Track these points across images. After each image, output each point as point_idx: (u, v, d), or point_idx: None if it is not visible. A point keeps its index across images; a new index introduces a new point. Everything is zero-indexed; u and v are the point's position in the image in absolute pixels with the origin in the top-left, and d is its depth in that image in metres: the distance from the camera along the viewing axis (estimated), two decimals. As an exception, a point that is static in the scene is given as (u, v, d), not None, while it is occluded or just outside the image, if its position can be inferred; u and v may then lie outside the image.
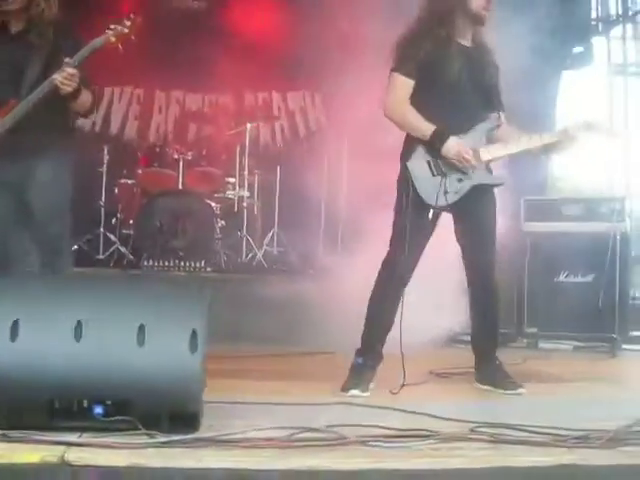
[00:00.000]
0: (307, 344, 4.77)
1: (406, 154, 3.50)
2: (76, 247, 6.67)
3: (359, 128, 6.66)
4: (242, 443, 2.14)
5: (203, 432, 2.25)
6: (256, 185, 6.98)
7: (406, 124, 3.49)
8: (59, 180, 3.55)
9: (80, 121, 8.04)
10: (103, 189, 6.92)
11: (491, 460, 2.15)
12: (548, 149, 3.61)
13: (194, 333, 2.22)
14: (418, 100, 3.47)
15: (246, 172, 6.76)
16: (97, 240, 6.80)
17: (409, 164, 3.45)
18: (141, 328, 2.22)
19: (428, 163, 3.43)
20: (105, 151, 6.96)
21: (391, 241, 3.54)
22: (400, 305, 3.43)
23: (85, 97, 3.48)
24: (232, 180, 6.78)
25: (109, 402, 2.20)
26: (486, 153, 3.46)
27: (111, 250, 6.74)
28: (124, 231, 6.71)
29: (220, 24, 7.84)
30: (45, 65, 3.39)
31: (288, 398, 3.07)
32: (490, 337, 3.69)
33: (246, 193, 6.75)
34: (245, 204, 6.75)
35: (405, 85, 3.47)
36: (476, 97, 3.55)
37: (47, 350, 2.20)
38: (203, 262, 5.98)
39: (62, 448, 2.03)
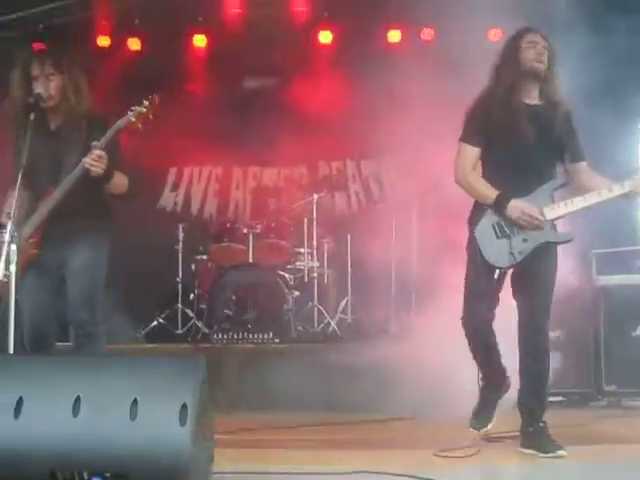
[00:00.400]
0: (386, 410, 4.88)
1: (474, 220, 3.70)
2: (155, 323, 6.94)
3: (427, 190, 6.81)
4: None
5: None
6: (325, 254, 7.07)
7: (472, 191, 3.71)
8: (92, 267, 3.73)
9: (162, 202, 8.64)
10: (180, 266, 7.18)
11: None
12: (629, 197, 3.65)
13: (184, 406, 2.27)
14: (488, 163, 3.73)
15: (314, 242, 6.86)
16: (175, 315, 7.03)
17: (476, 231, 3.66)
18: (134, 402, 2.29)
19: (493, 227, 3.62)
20: (180, 229, 7.25)
21: (464, 302, 3.71)
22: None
23: (119, 180, 3.69)
24: (302, 250, 6.88)
25: (108, 474, 2.27)
26: (550, 212, 3.58)
27: (189, 325, 6.95)
28: (201, 306, 6.89)
29: (290, 99, 8.08)
30: (81, 154, 3.61)
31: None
32: (537, 398, 3.63)
33: (316, 263, 6.84)
34: (315, 274, 6.83)
35: (472, 154, 3.70)
36: (545, 155, 3.70)
37: (48, 426, 2.30)
38: (271, 333, 6.06)
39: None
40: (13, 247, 3.15)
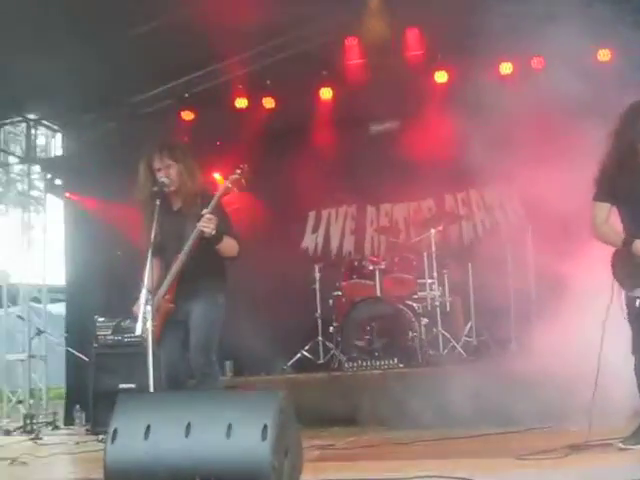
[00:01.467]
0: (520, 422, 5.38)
1: (617, 271, 4.29)
2: (299, 355, 7.72)
3: (545, 218, 7.19)
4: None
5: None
6: (446, 283, 7.60)
7: (607, 241, 4.35)
8: (208, 321, 4.55)
9: (305, 243, 9.48)
10: (318, 302, 7.94)
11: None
12: None
13: (265, 427, 2.95)
14: (620, 212, 4.34)
15: (435, 273, 7.41)
16: (317, 347, 7.78)
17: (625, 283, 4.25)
18: (229, 426, 3.00)
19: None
20: (316, 269, 8.02)
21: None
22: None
23: (228, 242, 4.48)
24: (424, 281, 7.45)
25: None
26: None
27: (330, 354, 7.68)
28: (338, 338, 7.61)
29: (413, 138, 8.63)
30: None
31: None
32: None
33: (437, 292, 7.39)
34: (437, 302, 7.38)
35: (602, 209, 4.32)
36: None
37: (167, 445, 3.05)
38: (396, 359, 6.67)
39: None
40: (148, 308, 3.99)
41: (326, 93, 9.22)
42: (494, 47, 8.40)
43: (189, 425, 3.05)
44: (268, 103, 9.38)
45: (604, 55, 8.36)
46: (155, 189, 4.47)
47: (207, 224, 4.33)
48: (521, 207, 8.61)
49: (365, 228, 9.39)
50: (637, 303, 4.17)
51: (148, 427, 3.10)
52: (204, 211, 4.37)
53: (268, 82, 9.23)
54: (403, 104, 8.74)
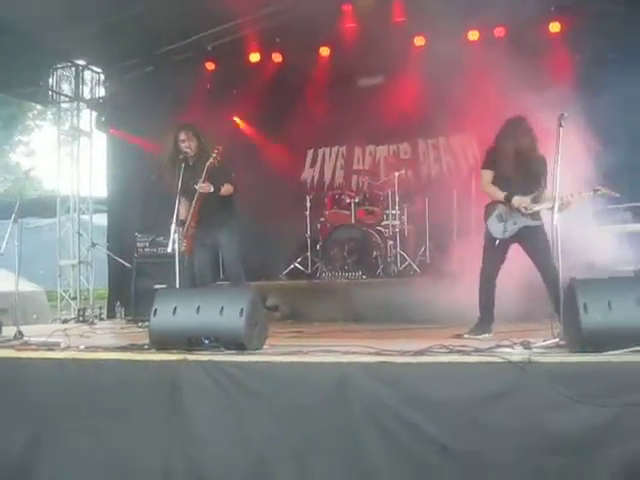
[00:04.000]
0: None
1: (486, 215, 6.29)
2: (292, 266, 9.87)
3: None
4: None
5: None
6: (406, 214, 9.67)
7: (490, 194, 6.27)
8: (232, 242, 6.72)
9: (304, 175, 11.49)
10: (308, 225, 10.04)
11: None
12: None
13: (242, 309, 5.07)
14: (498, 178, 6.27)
15: (397, 207, 9.46)
16: (306, 261, 9.93)
17: (488, 222, 6.25)
18: (222, 308, 5.12)
19: (497, 216, 6.17)
20: (307, 200, 10.09)
21: (482, 260, 6.29)
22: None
23: (226, 189, 6.70)
24: (389, 212, 9.51)
25: (211, 339, 5.12)
26: (533, 207, 6.07)
27: (315, 267, 9.84)
28: (321, 254, 9.75)
29: (394, 92, 10.47)
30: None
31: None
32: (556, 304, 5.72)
33: (398, 222, 9.45)
34: (397, 230, 9.45)
35: (487, 175, 6.29)
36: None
37: (185, 318, 5.18)
38: (360, 272, 8.80)
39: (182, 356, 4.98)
40: (176, 236, 6.15)
41: (324, 51, 10.92)
42: (464, 17, 10.14)
43: (199, 307, 5.18)
44: (277, 58, 11.12)
45: (554, 27, 9.97)
46: (180, 156, 6.58)
47: (204, 189, 6.58)
48: (478, 152, 10.46)
49: (352, 165, 11.39)
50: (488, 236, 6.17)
51: (175, 308, 5.24)
52: (199, 184, 6.58)
53: (277, 40, 10.90)
54: (388, 63, 10.26)
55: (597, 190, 5.92)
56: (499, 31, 10.19)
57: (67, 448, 5.11)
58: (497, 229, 6.15)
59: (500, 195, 6.16)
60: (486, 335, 5.99)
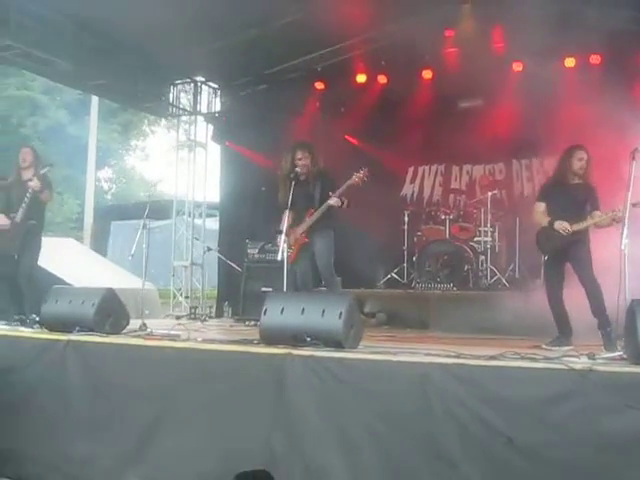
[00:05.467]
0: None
1: (537, 237, 7.12)
2: (389, 276, 10.58)
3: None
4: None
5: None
6: (497, 231, 10.22)
7: (538, 222, 7.13)
8: (327, 248, 7.47)
9: (404, 191, 12.17)
10: (405, 239, 10.73)
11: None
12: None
13: (340, 312, 5.80)
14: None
15: (489, 224, 10.03)
16: (402, 272, 10.63)
17: (539, 244, 7.11)
18: (323, 311, 5.87)
19: (546, 237, 6.97)
20: (405, 215, 10.77)
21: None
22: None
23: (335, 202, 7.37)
24: (482, 229, 10.09)
25: (312, 337, 5.87)
26: (574, 227, 6.76)
27: (410, 277, 10.52)
28: (416, 266, 10.42)
29: (491, 114, 11.02)
30: (318, 192, 7.33)
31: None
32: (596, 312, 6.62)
33: (489, 238, 10.02)
34: (489, 245, 10.02)
35: (540, 206, 7.12)
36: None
37: (291, 319, 5.95)
38: (452, 284, 9.43)
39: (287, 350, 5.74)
40: (285, 245, 6.95)
41: (427, 74, 11.54)
42: (560, 44, 10.57)
43: (303, 309, 5.96)
44: (382, 79, 11.86)
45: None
46: (292, 175, 7.40)
47: (335, 203, 7.43)
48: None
49: (450, 182, 12.02)
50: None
51: (282, 308, 6.04)
52: (332, 199, 7.42)
53: (383, 62, 11.61)
54: (486, 86, 10.73)
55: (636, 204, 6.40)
56: (595, 58, 10.58)
57: (184, 426, 5.95)
58: (545, 248, 7.00)
59: (545, 220, 6.96)
60: (566, 348, 6.53)
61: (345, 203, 7.44)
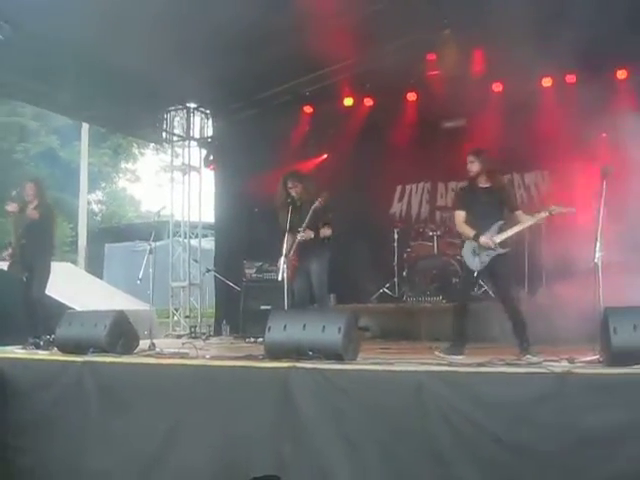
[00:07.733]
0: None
1: (463, 249, 7.32)
2: (381, 291, 11.06)
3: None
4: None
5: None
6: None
7: (463, 233, 7.40)
8: (322, 269, 7.95)
9: (392, 209, 12.67)
10: (396, 255, 11.22)
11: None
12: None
13: (339, 327, 6.27)
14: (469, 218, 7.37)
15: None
16: (393, 287, 11.11)
17: (464, 257, 7.34)
18: (323, 327, 6.34)
19: (472, 252, 7.22)
20: (395, 232, 11.27)
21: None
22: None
23: (325, 231, 7.96)
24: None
25: (314, 351, 6.33)
26: (497, 238, 7.11)
27: (401, 292, 11.01)
28: (407, 281, 10.91)
29: (474, 133, 11.43)
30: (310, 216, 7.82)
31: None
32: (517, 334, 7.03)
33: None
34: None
35: (460, 215, 7.37)
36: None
37: (294, 334, 6.41)
38: (441, 297, 9.93)
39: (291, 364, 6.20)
40: (285, 266, 7.44)
41: (411, 96, 12.03)
42: (538, 65, 11.02)
43: (304, 325, 6.42)
44: (368, 102, 12.36)
45: (621, 74, 10.85)
46: (289, 200, 7.90)
47: (304, 237, 7.90)
48: (551, 187, 11.46)
49: (436, 199, 12.53)
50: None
51: (285, 325, 6.51)
52: (300, 233, 7.87)
53: (367, 85, 12.06)
54: (468, 107, 11.17)
55: (552, 210, 7.05)
56: (570, 78, 11.07)
57: (197, 440, 6.38)
58: (473, 263, 7.17)
59: (470, 233, 7.19)
60: (459, 357, 6.78)
61: (320, 232, 7.99)
